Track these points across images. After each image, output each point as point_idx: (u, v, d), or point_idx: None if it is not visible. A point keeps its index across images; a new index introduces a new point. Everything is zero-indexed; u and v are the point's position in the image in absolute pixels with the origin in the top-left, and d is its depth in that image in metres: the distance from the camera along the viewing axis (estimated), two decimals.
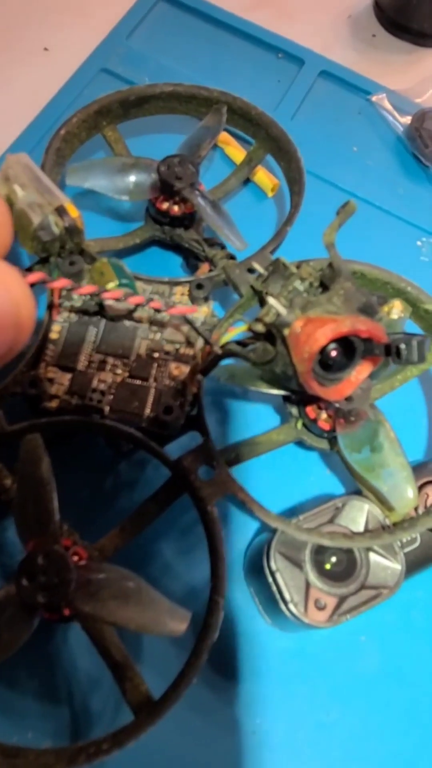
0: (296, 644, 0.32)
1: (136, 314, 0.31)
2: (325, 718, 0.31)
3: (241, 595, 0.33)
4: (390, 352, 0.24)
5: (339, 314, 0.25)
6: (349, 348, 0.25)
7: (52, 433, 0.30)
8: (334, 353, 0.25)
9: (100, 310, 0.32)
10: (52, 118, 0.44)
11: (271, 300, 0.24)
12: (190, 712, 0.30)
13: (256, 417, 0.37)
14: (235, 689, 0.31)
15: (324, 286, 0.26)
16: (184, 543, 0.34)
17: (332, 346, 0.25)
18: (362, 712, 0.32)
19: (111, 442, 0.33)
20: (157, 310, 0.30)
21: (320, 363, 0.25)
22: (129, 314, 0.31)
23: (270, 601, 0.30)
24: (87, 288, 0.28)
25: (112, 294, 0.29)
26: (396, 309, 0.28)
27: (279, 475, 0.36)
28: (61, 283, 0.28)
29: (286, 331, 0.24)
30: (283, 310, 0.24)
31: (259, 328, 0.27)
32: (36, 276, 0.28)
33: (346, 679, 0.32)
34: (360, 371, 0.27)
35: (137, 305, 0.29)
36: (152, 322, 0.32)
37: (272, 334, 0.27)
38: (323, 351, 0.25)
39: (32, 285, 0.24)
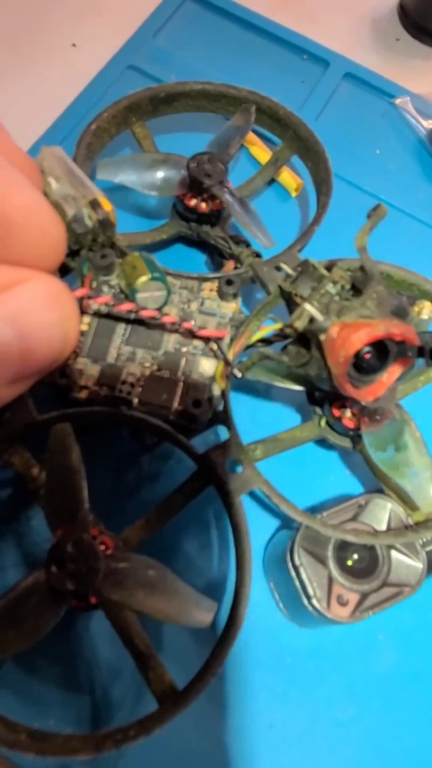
0: (315, 641, 0.33)
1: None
2: (342, 715, 0.32)
3: (260, 591, 0.33)
4: (423, 354, 0.25)
5: (373, 318, 0.25)
6: (383, 350, 0.26)
7: (80, 425, 0.31)
8: (368, 356, 0.25)
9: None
10: (80, 113, 0.44)
11: (307, 306, 0.24)
12: (208, 704, 0.31)
13: (279, 415, 0.37)
14: (253, 683, 0.31)
15: (355, 289, 0.27)
16: (206, 538, 0.34)
17: (366, 349, 0.25)
18: (378, 710, 0.32)
19: (136, 435, 0.34)
20: (190, 332, 0.30)
21: (354, 365, 0.26)
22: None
23: (291, 596, 0.30)
24: (126, 305, 0.29)
25: (149, 313, 0.29)
26: (426, 309, 0.29)
27: (299, 473, 0.36)
28: (104, 299, 0.29)
29: (322, 337, 0.24)
30: (320, 316, 0.24)
31: (292, 331, 0.27)
32: (82, 291, 0.29)
33: (364, 677, 0.32)
34: (392, 372, 0.27)
35: (172, 323, 0.30)
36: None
37: (306, 337, 0.27)
38: (358, 354, 0.25)
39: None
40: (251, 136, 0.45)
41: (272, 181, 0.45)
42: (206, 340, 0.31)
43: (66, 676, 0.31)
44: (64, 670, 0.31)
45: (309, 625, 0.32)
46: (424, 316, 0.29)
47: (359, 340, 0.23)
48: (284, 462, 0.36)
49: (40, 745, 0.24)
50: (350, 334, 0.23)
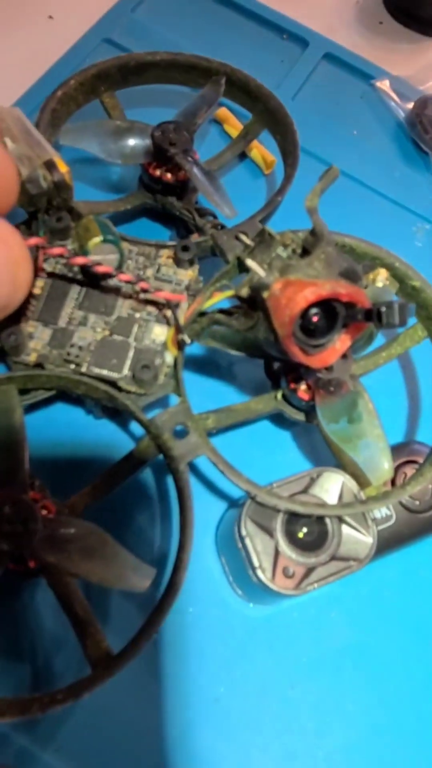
0: (265, 617, 0.32)
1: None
2: (290, 691, 0.31)
3: (212, 567, 0.33)
4: (372, 317, 0.24)
5: (319, 278, 0.24)
6: (331, 314, 0.25)
7: (27, 390, 0.30)
8: (315, 318, 0.25)
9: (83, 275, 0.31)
10: (53, 83, 0.42)
11: (249, 262, 0.24)
12: (152, 678, 0.30)
13: (235, 390, 0.37)
14: (200, 657, 0.31)
15: (306, 252, 0.26)
16: (157, 511, 0.33)
17: (314, 311, 0.25)
18: (327, 687, 0.31)
19: (86, 404, 0.33)
20: (145, 291, 0.30)
21: (302, 329, 0.25)
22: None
23: (240, 570, 0.30)
24: (81, 258, 0.28)
25: (104, 268, 0.29)
26: (381, 276, 0.28)
27: (255, 452, 0.36)
28: (59, 250, 0.28)
29: (265, 294, 0.24)
30: (261, 272, 0.24)
31: (244, 293, 0.27)
32: (36, 240, 0.28)
33: (314, 654, 0.32)
34: (343, 340, 0.26)
35: (128, 281, 0.29)
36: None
37: (255, 302, 0.27)
38: (305, 316, 0.25)
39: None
40: (225, 112, 0.44)
41: (246, 158, 0.44)
42: (160, 306, 0.31)
43: (8, 645, 0.30)
44: (7, 638, 0.30)
45: (259, 600, 0.32)
46: (379, 283, 0.28)
47: (304, 298, 0.23)
48: (239, 439, 0.36)
49: None
50: (295, 293, 0.23)
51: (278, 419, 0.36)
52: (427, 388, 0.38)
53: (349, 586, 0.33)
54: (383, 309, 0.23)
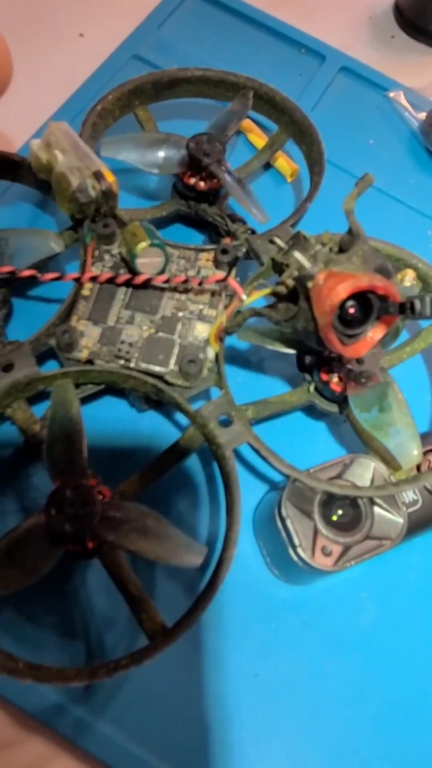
0: (301, 597, 0.34)
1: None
2: (325, 666, 0.33)
3: (250, 551, 0.35)
4: (404, 310, 0.26)
5: (358, 272, 0.27)
6: (366, 306, 0.27)
7: (80, 384, 0.32)
8: (352, 310, 0.27)
9: (131, 276, 0.33)
10: (86, 98, 0.46)
11: (296, 254, 0.26)
12: (196, 654, 0.32)
13: (271, 385, 0.39)
14: (241, 635, 0.33)
15: (342, 251, 0.28)
16: (200, 498, 0.35)
17: (351, 303, 0.27)
18: (360, 663, 0.33)
19: (134, 399, 0.35)
20: (199, 283, 0.32)
21: (339, 319, 0.27)
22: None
23: (278, 552, 0.32)
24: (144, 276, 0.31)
25: (161, 278, 0.31)
26: (409, 276, 0.30)
27: (290, 442, 0.37)
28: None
29: (309, 284, 0.26)
30: (307, 263, 0.26)
31: (282, 289, 0.29)
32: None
33: (346, 632, 0.34)
34: (375, 331, 0.29)
35: (183, 282, 0.32)
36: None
37: (295, 296, 0.29)
38: (342, 307, 0.27)
39: None
40: (249, 123, 0.47)
41: (270, 167, 0.47)
42: (213, 293, 0.33)
43: (63, 624, 0.32)
44: (61, 617, 0.32)
45: (295, 580, 0.34)
46: (407, 283, 0.31)
47: (344, 289, 0.25)
48: (275, 430, 0.38)
49: (36, 672, 0.25)
50: (336, 284, 0.25)
51: (309, 411, 0.38)
52: None
53: (377, 568, 0.35)
54: (416, 301, 0.25)
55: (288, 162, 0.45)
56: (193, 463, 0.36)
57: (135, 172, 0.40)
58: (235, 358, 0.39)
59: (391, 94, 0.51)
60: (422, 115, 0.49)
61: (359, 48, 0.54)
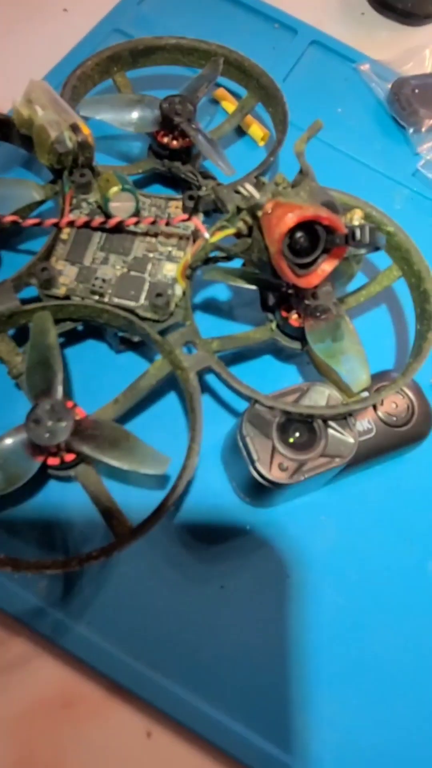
0: (266, 518, 0.37)
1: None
2: (287, 581, 0.36)
3: (218, 478, 0.38)
4: (348, 240, 0.29)
5: (305, 204, 0.29)
6: (315, 236, 0.30)
7: (58, 319, 0.35)
8: (301, 239, 0.30)
9: (105, 219, 0.36)
10: (69, 68, 0.48)
11: (247, 185, 0.29)
12: (168, 565, 0.35)
13: (238, 328, 0.41)
14: (209, 550, 0.36)
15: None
16: (170, 424, 0.38)
17: (299, 234, 0.30)
18: (319, 578, 0.36)
19: (109, 337, 0.38)
20: (166, 224, 0.35)
21: (290, 249, 0.30)
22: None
23: (241, 472, 0.35)
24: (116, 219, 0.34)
25: (132, 220, 0.34)
26: (357, 215, 0.33)
27: (257, 382, 0.40)
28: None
29: (259, 213, 0.29)
30: (256, 193, 0.29)
31: (241, 225, 0.32)
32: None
33: (307, 550, 0.37)
34: (326, 264, 0.31)
35: (151, 223, 0.35)
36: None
37: (251, 231, 0.32)
38: (292, 237, 0.30)
39: None
40: (223, 91, 0.50)
41: (244, 134, 0.50)
42: (180, 237, 0.36)
43: (43, 538, 0.35)
44: (41, 533, 0.35)
45: (259, 502, 0.37)
46: (355, 221, 0.33)
47: (291, 218, 0.28)
48: (243, 373, 0.40)
49: (14, 562, 0.28)
50: (284, 214, 0.28)
51: (277, 354, 0.41)
52: (411, 325, 0.43)
53: (335, 493, 0.38)
54: (356, 230, 0.28)
55: (260, 127, 0.48)
56: (168, 397, 0.39)
57: (118, 138, 0.43)
58: (208, 306, 0.42)
59: (360, 66, 0.53)
60: (388, 86, 0.52)
61: (331, 24, 0.57)
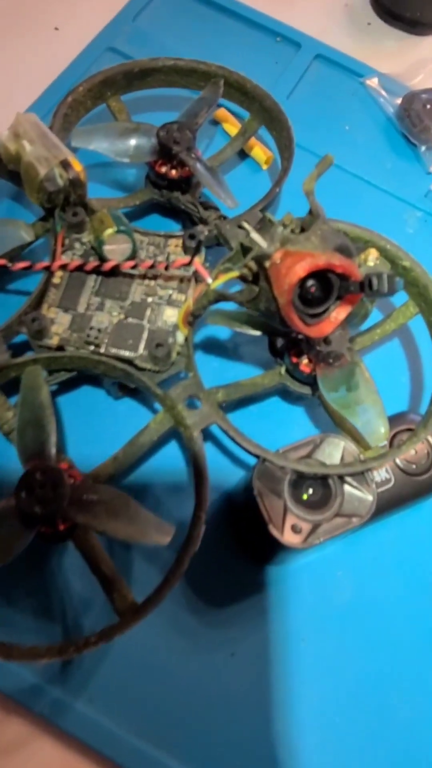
0: (278, 576, 0.34)
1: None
2: (302, 644, 0.33)
3: (225, 535, 0.35)
4: (363, 288, 0.27)
5: (316, 251, 0.27)
6: (327, 285, 0.28)
7: (52, 371, 0.33)
8: (312, 289, 0.27)
9: (100, 263, 0.34)
10: (61, 92, 0.45)
11: (253, 234, 0.26)
12: (175, 632, 0.33)
13: (245, 371, 0.39)
14: (218, 615, 0.33)
15: (304, 232, 0.29)
16: (173, 481, 0.36)
17: (311, 282, 0.27)
18: (336, 640, 0.34)
19: (106, 385, 0.36)
20: (165, 267, 0.32)
21: (301, 299, 0.28)
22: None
23: (253, 536, 0.32)
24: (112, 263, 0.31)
25: (129, 263, 0.31)
26: (372, 256, 0.30)
27: (266, 426, 0.38)
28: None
29: (267, 263, 0.26)
30: (263, 242, 0.26)
31: (246, 271, 0.29)
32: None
33: (322, 610, 0.34)
34: (339, 311, 0.29)
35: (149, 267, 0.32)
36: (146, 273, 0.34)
37: (257, 278, 0.29)
38: (303, 286, 0.27)
39: None
40: (224, 113, 0.47)
41: (247, 157, 0.47)
42: (181, 279, 0.33)
43: (40, 607, 0.32)
44: (38, 601, 0.33)
45: (270, 562, 0.34)
46: (370, 262, 0.31)
47: (302, 268, 0.25)
48: (251, 416, 0.38)
49: (7, 650, 0.26)
50: (294, 263, 0.25)
51: (285, 396, 0.39)
52: (428, 364, 0.41)
53: (352, 546, 0.35)
54: (373, 278, 0.26)
55: (263, 150, 0.46)
56: (171, 449, 0.37)
57: (108, 165, 0.40)
58: (211, 346, 0.40)
59: (367, 81, 0.51)
60: (398, 101, 0.49)
61: (335, 35, 0.54)
